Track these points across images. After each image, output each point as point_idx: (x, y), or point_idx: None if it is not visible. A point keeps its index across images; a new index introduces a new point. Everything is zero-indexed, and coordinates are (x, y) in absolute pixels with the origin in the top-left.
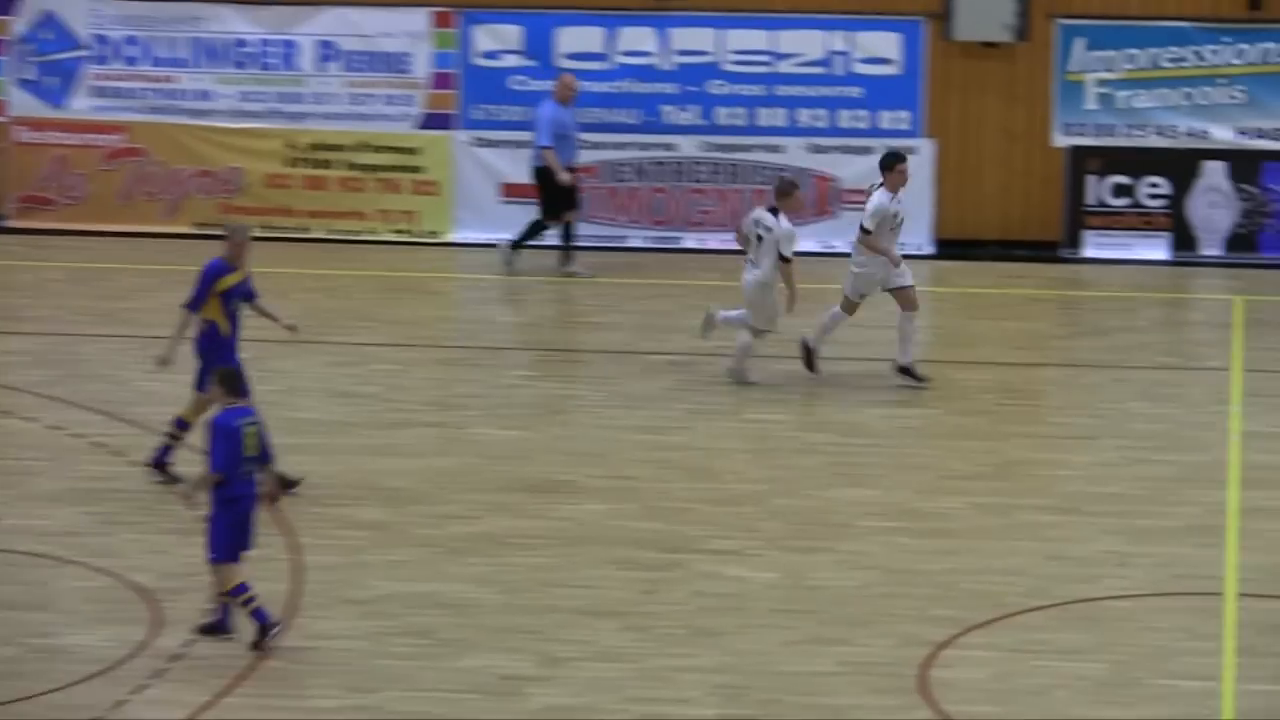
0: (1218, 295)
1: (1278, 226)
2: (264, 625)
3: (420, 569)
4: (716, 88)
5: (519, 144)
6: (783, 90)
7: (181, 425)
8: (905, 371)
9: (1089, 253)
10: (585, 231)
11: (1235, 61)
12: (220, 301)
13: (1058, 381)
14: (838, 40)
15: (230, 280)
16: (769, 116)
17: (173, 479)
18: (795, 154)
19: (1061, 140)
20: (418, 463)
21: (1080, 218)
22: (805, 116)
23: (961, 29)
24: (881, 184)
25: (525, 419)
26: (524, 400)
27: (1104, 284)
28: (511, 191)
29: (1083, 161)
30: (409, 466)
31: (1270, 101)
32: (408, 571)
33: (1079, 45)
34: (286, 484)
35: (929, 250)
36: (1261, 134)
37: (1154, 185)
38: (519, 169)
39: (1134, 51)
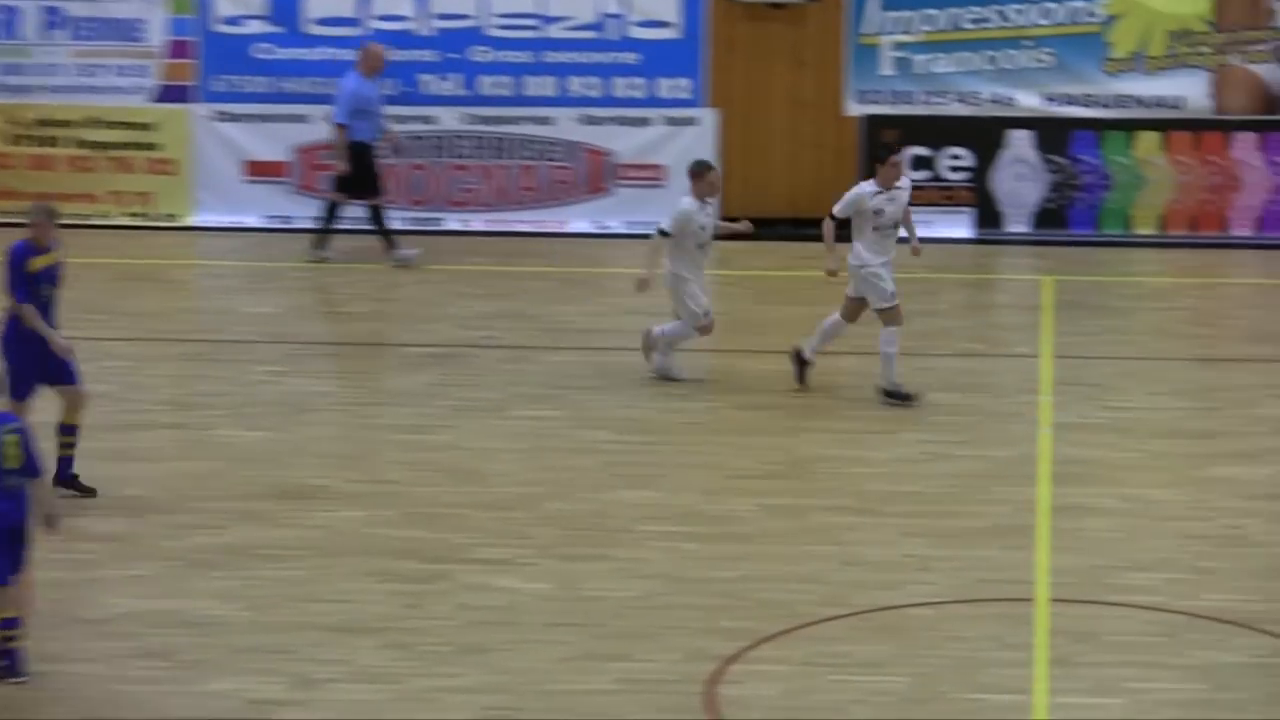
0: (1025, 275)
1: (1089, 200)
2: (12, 669)
3: (160, 584)
4: (480, 54)
5: (265, 118)
6: (552, 57)
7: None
8: (892, 395)
9: None
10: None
11: (1042, 22)
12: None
13: (853, 371)
14: (611, 2)
15: (39, 262)
16: (537, 86)
17: (86, 491)
18: (566, 126)
19: (855, 109)
20: (157, 468)
21: None
22: (577, 85)
23: None
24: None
25: (274, 419)
26: (272, 398)
27: (902, 265)
28: (257, 170)
29: (878, 132)
30: (147, 472)
31: (1080, 65)
32: (146, 587)
33: (873, 5)
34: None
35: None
36: (1071, 100)
37: (956, 157)
38: (265, 145)
39: (932, 12)
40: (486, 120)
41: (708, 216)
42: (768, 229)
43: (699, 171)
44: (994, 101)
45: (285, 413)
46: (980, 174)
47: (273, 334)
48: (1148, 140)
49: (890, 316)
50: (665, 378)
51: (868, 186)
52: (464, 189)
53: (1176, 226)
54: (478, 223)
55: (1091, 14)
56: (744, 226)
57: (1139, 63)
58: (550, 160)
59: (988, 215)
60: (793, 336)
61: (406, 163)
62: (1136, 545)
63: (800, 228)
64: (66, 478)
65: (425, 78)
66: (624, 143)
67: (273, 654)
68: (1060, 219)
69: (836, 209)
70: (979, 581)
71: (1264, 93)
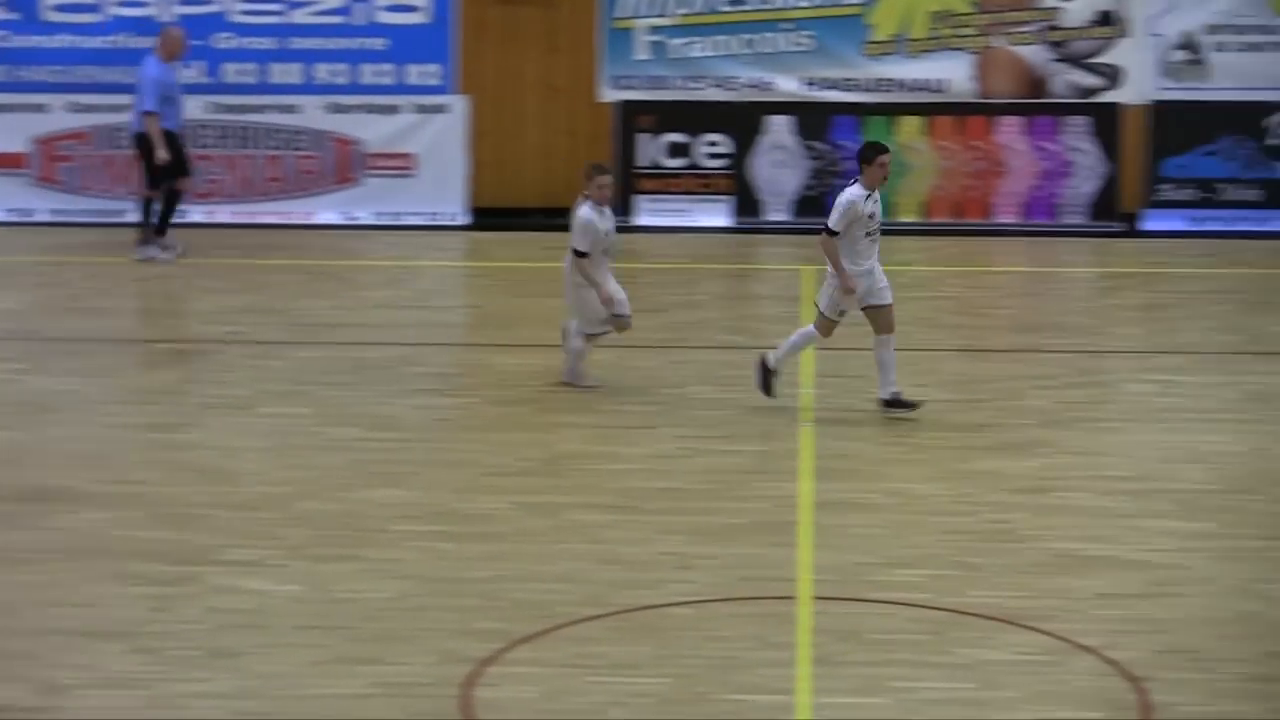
0: (785, 265)
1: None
2: None
3: None
4: (223, 41)
5: (2, 108)
6: (298, 43)
7: None
8: (894, 404)
9: (642, 220)
10: (79, 206)
11: (801, 4)
12: None
13: (609, 364)
14: None
15: None
16: (283, 73)
17: None
18: (313, 115)
19: (610, 95)
20: None
21: (632, 181)
22: (324, 72)
23: None
24: (857, 180)
25: (13, 418)
26: (12, 398)
27: (659, 255)
28: None
29: (634, 118)
30: None
31: (839, 48)
32: None
33: None
34: None
35: (463, 220)
36: (831, 85)
37: (713, 144)
38: (2, 136)
39: None
40: (231, 109)
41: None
42: (520, 218)
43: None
44: (752, 86)
45: (27, 412)
46: (738, 161)
47: (12, 331)
48: (910, 125)
49: (886, 323)
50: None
51: (857, 191)
52: (208, 180)
53: (940, 214)
54: (223, 215)
55: None
56: None
57: (900, 45)
58: (297, 150)
59: (746, 203)
60: (546, 330)
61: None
62: (900, 541)
63: (553, 217)
64: None
65: None
66: (373, 131)
67: (17, 660)
68: (821, 207)
69: (833, 223)
70: (740, 579)
71: (1029, 75)
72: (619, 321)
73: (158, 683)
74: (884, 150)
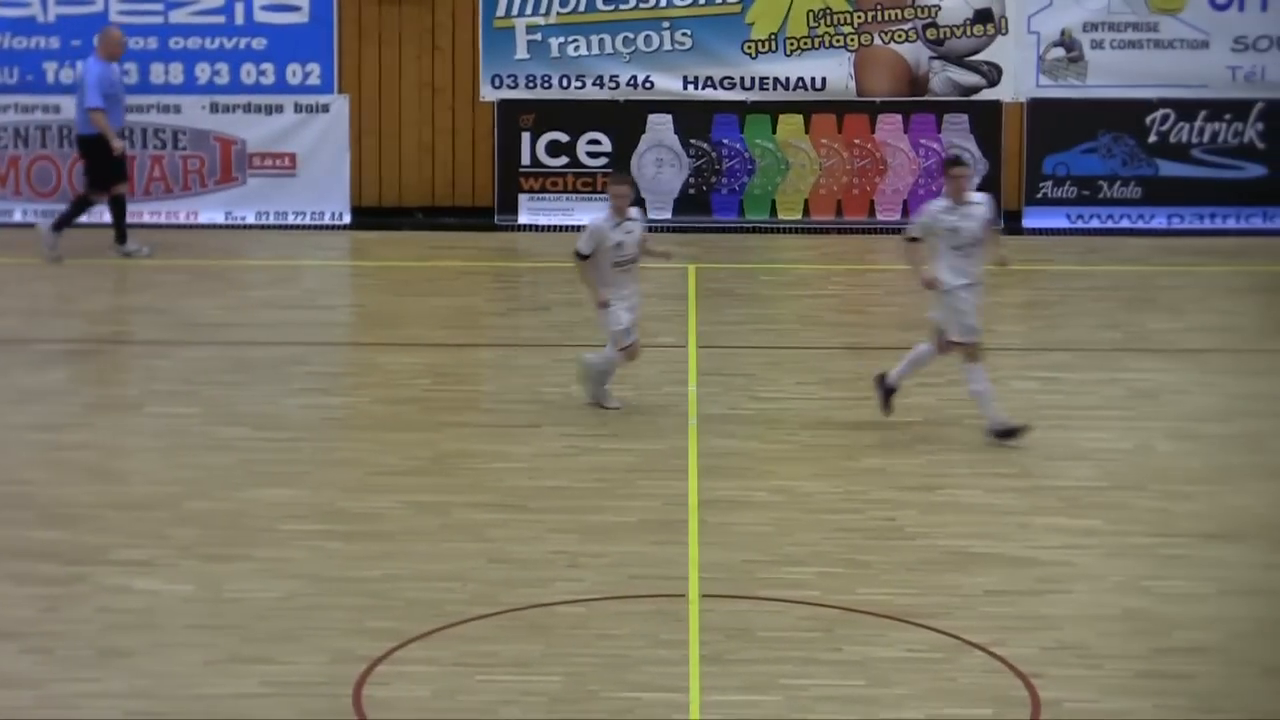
0: (668, 265)
1: (731, 185)
2: None
3: None
4: None
5: None
6: (178, 43)
7: None
8: (1004, 434)
9: (525, 219)
10: None
11: (680, 3)
12: None
13: (495, 364)
14: None
15: None
16: (164, 73)
17: None
18: (194, 114)
19: (490, 94)
20: None
21: (514, 180)
22: (205, 72)
23: None
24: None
25: None
26: None
27: (543, 254)
28: None
29: (514, 117)
30: None
31: (719, 48)
32: None
33: None
34: None
35: (346, 220)
36: (711, 83)
37: (594, 143)
38: None
39: None
40: None
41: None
42: (403, 218)
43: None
44: (633, 85)
45: None
46: (620, 160)
47: None
48: (790, 123)
49: (969, 353)
50: None
51: (938, 203)
52: None
53: (822, 211)
54: (107, 215)
55: None
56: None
57: (779, 44)
58: (180, 149)
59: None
60: (429, 328)
61: (32, 153)
62: (788, 539)
63: (435, 216)
64: None
65: (50, 65)
66: (255, 131)
67: None
68: (703, 205)
69: (911, 229)
70: (629, 578)
71: (907, 73)
72: (628, 350)
73: (49, 682)
74: (954, 162)
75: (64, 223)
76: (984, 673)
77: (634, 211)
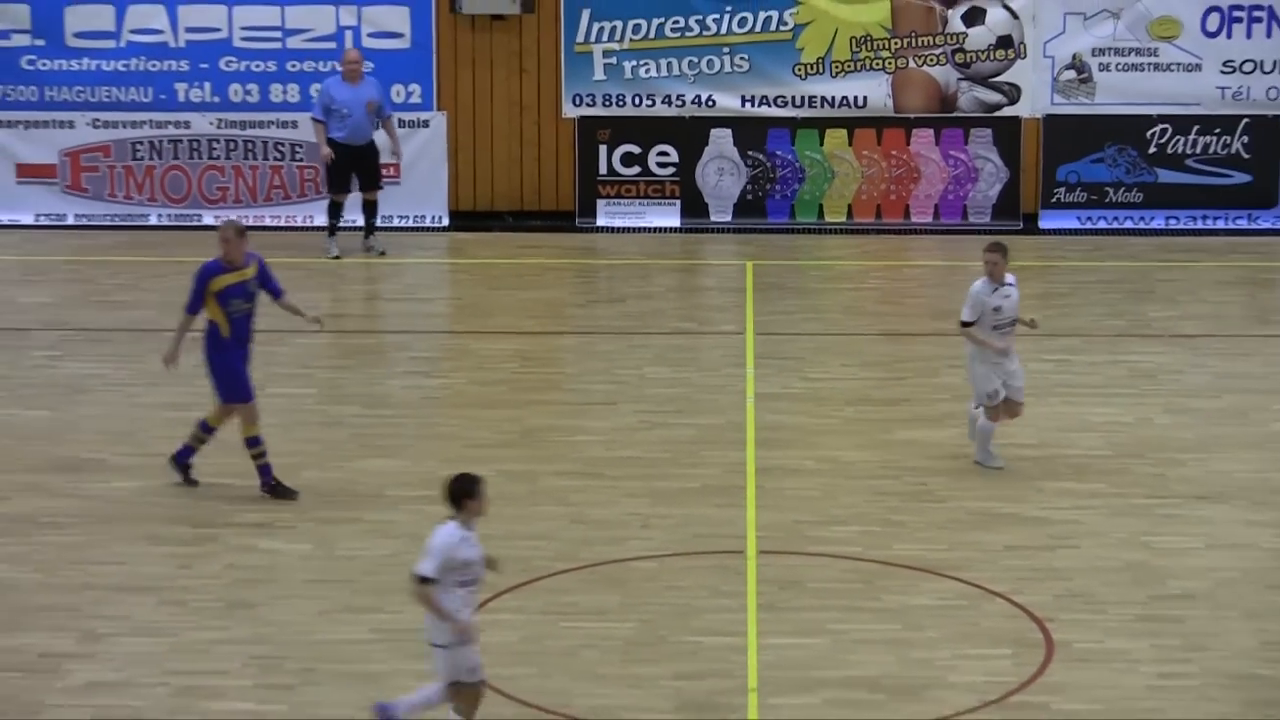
0: (729, 261)
1: (784, 192)
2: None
3: None
4: (228, 64)
5: (32, 124)
6: (294, 66)
7: (205, 428)
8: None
9: (602, 221)
10: (105, 210)
11: (738, 30)
12: (217, 302)
13: (575, 349)
14: (347, 15)
15: (225, 280)
16: (282, 93)
17: (190, 481)
18: (310, 129)
19: (571, 111)
20: None
21: (593, 187)
22: (318, 92)
23: (469, 3)
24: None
25: (52, 399)
26: (49, 380)
27: (618, 252)
28: (26, 172)
29: (592, 132)
30: None
31: (773, 70)
32: None
33: (585, 16)
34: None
35: (444, 223)
36: (766, 101)
37: (663, 154)
38: (34, 149)
39: (639, 21)
40: (236, 124)
41: (1004, 298)
42: (494, 221)
43: (989, 253)
44: (696, 103)
45: (61, 393)
46: (686, 169)
47: (47, 321)
48: (836, 137)
49: (990, 413)
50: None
51: (980, 285)
52: (218, 187)
53: (863, 215)
54: (231, 218)
55: (783, 23)
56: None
57: (826, 66)
58: (296, 161)
59: (693, 206)
60: (518, 317)
61: (165, 164)
62: (834, 502)
63: (522, 219)
64: (269, 484)
65: (179, 85)
66: None
67: (59, 612)
68: (759, 209)
69: (965, 315)
70: (694, 536)
71: (938, 93)
72: (1000, 408)
73: (183, 631)
74: (993, 248)
75: (332, 228)
76: (1004, 618)
77: (1009, 277)
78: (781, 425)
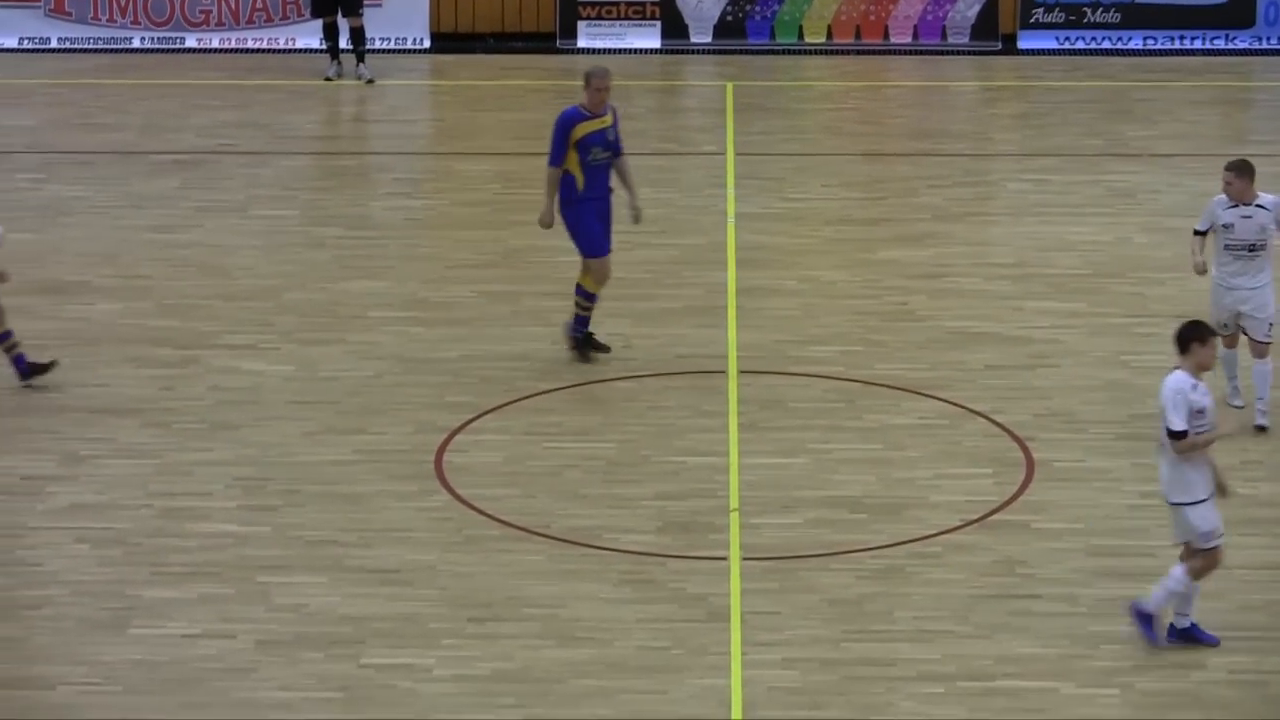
0: (709, 82)
1: (764, 12)
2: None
3: None
4: None
5: None
6: None
7: (585, 294)
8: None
9: (583, 43)
10: (89, 34)
11: None
12: (576, 151)
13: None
14: None
15: (587, 128)
16: None
17: (600, 347)
18: None
19: None
20: None
21: (573, 8)
22: None
23: None
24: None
25: (33, 222)
26: (31, 203)
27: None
28: None
29: None
30: None
31: None
32: None
33: None
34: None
35: (426, 45)
36: None
37: None
38: None
39: None
40: None
41: (1239, 218)
42: (476, 42)
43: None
44: None
45: (45, 216)
46: None
47: (30, 144)
48: None
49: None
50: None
51: (1219, 199)
52: (201, 10)
53: (842, 35)
54: (214, 41)
55: None
56: None
57: None
58: None
59: (674, 27)
60: (499, 139)
61: None
62: (814, 321)
63: (504, 41)
64: (578, 334)
65: None
66: None
67: (40, 434)
68: (739, 30)
69: (1198, 224)
70: (676, 356)
71: None
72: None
73: (167, 452)
74: (1233, 167)
75: (333, 52)
76: (985, 437)
77: (1266, 198)
78: (762, 245)
